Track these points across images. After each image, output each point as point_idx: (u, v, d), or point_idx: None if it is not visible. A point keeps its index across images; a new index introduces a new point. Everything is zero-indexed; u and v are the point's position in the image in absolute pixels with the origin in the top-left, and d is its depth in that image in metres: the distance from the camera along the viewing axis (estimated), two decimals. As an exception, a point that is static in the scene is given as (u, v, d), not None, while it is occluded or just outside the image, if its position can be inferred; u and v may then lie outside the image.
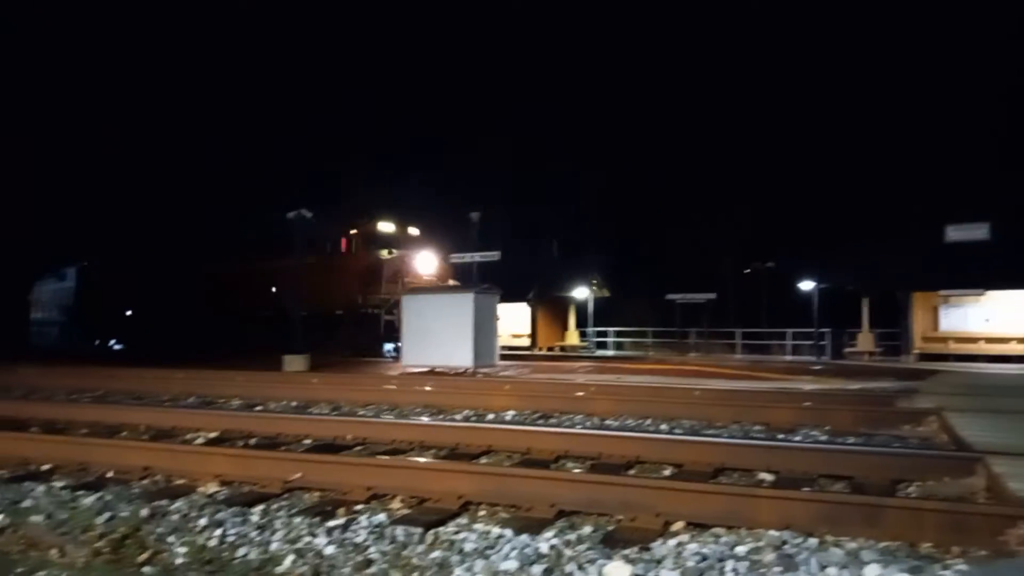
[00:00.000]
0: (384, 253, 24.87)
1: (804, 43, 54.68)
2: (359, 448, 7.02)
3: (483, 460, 6.40)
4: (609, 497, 4.68)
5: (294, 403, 10.65)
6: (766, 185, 40.67)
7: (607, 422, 8.50)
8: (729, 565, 3.69)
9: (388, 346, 24.08)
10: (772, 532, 4.10)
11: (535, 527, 4.36)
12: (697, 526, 4.38)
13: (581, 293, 34.07)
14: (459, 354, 16.55)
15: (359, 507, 4.88)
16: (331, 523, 4.55)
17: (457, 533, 4.31)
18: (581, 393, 10.19)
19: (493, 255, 21.98)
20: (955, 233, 24.90)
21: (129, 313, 33.47)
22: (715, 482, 5.29)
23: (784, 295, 32.37)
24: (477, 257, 22.32)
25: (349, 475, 5.36)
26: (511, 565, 3.83)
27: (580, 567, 3.78)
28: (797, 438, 7.54)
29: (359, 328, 24.78)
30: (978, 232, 24.56)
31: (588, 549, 4.00)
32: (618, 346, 35.25)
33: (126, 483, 5.70)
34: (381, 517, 4.61)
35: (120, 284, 32.91)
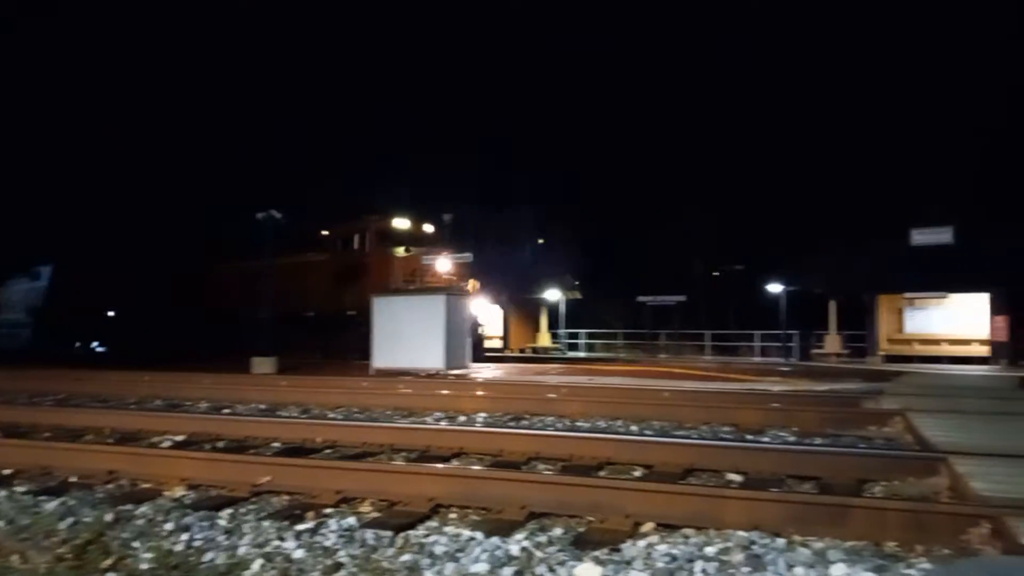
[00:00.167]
0: (399, 251, 23.89)
1: (772, 48, 55.40)
2: (328, 451, 6.97)
3: (454, 463, 6.38)
4: (579, 499, 4.69)
5: (262, 406, 10.54)
6: (735, 189, 41.09)
7: (578, 423, 8.53)
8: (698, 566, 3.71)
9: None
10: (741, 533, 4.13)
11: (506, 529, 4.35)
12: (667, 527, 4.40)
13: (553, 295, 34.17)
14: (431, 356, 16.53)
15: (328, 511, 4.84)
16: (300, 527, 4.51)
17: (427, 536, 4.29)
18: (553, 395, 10.22)
19: (465, 256, 21.99)
20: (920, 237, 25.35)
21: (111, 314, 32.56)
22: (684, 483, 5.32)
23: (752, 297, 32.72)
24: (448, 259, 22.33)
25: (318, 478, 5.32)
26: (481, 568, 3.82)
27: (551, 569, 3.78)
28: (765, 439, 7.62)
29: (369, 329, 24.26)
30: (942, 236, 25.02)
31: (559, 551, 4.01)
32: (589, 347, 35.40)
33: (90, 487, 5.60)
34: (351, 520, 4.58)
35: (100, 284, 31.87)
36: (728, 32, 56.75)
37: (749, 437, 7.70)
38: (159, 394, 11.94)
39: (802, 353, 28.60)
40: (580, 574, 3.67)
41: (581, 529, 4.42)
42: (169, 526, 4.58)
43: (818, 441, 7.32)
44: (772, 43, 53.85)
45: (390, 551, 4.14)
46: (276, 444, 7.33)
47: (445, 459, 6.44)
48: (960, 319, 25.98)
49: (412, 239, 24.47)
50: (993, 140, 35.62)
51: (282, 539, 4.34)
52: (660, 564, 3.78)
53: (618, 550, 3.99)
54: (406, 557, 4.02)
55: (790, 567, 3.61)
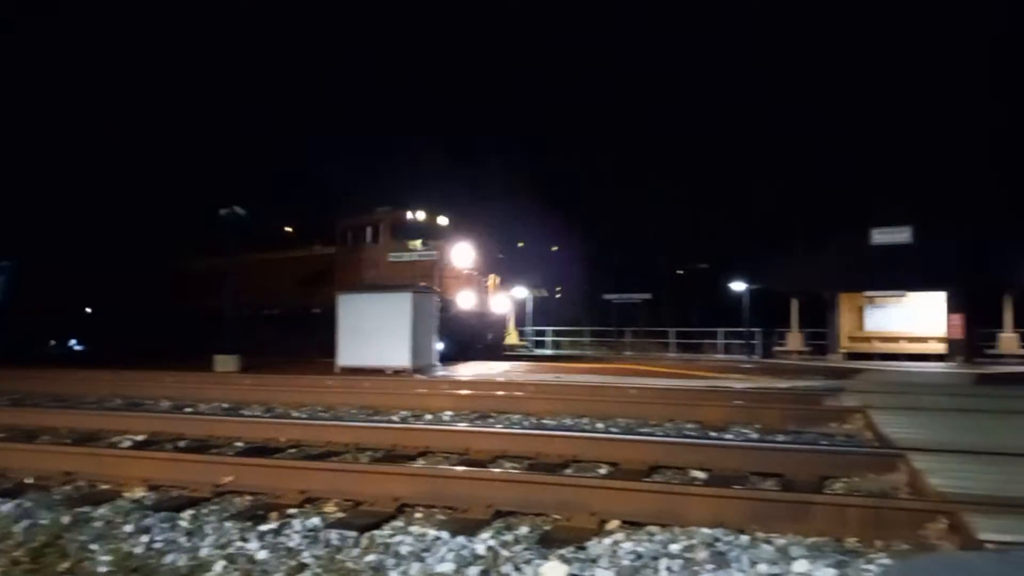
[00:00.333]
0: (416, 244, 22.61)
1: (736, 48, 55.99)
2: (293, 450, 6.90)
3: (420, 462, 6.36)
4: (545, 497, 4.70)
5: (225, 404, 10.40)
6: (699, 188, 41.44)
7: (545, 421, 8.54)
8: (663, 563, 3.74)
9: None
10: (705, 530, 4.17)
11: (472, 528, 4.35)
12: (632, 524, 4.43)
13: (520, 293, 34.19)
14: (397, 354, 16.42)
15: (292, 511, 4.80)
16: (263, 527, 4.46)
17: (393, 536, 4.27)
18: (519, 392, 10.22)
19: (430, 254, 21.90)
20: (879, 236, 25.85)
21: (89, 311, 31.19)
22: (649, 481, 5.36)
23: (716, 296, 33.08)
24: (416, 256, 22.23)
25: (282, 478, 5.27)
26: (447, 567, 3.81)
27: (516, 568, 3.78)
28: (729, 436, 7.71)
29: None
30: (901, 236, 25.54)
31: (525, 549, 4.01)
32: (556, 345, 35.50)
33: (46, 489, 5.49)
34: (315, 521, 4.54)
35: (70, 279, 30.08)
36: (692, 32, 57.23)
37: (713, 434, 7.77)
38: (119, 393, 11.72)
39: (764, 350, 28.96)
40: (546, 573, 3.68)
41: (547, 527, 4.43)
42: (128, 528, 4.51)
43: (780, 438, 7.41)
44: (735, 43, 54.41)
45: (355, 551, 4.11)
46: (239, 443, 7.24)
47: (411, 458, 6.41)
48: (918, 317, 26.50)
49: (427, 232, 23.07)
50: (950, 141, 36.42)
51: (245, 540, 4.29)
52: (625, 562, 3.80)
53: (584, 548, 4.00)
54: (371, 557, 4.00)
55: (753, 564, 3.66)
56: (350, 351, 16.90)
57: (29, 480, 5.77)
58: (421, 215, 23.44)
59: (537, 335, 35.81)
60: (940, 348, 25.49)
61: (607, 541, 4.08)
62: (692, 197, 40.78)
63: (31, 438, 7.69)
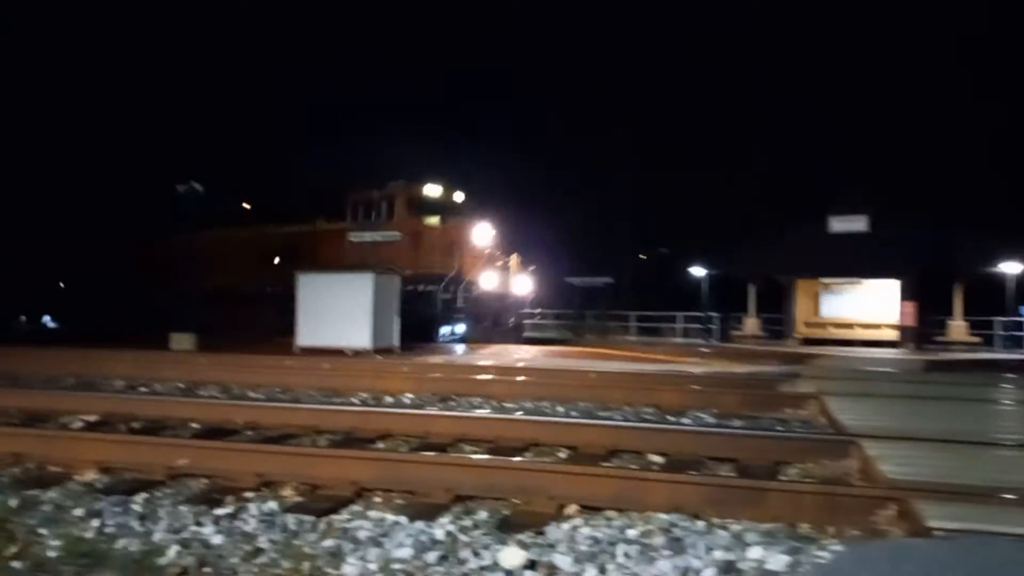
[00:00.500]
0: (432, 220, 21.45)
1: (702, 36, 56.23)
2: (249, 432, 6.81)
3: (379, 445, 6.33)
4: (505, 481, 4.71)
5: (181, 384, 10.24)
6: (661, 175, 41.73)
7: (506, 404, 8.55)
8: (621, 549, 3.77)
9: (444, 329, 20.88)
10: (662, 515, 4.21)
11: (431, 513, 4.34)
12: (590, 509, 4.46)
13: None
14: (357, 335, 16.30)
15: (249, 495, 4.74)
16: (219, 511, 4.40)
17: (351, 521, 4.24)
18: (480, 376, 10.22)
19: (393, 235, 21.72)
20: (836, 224, 26.28)
21: (63, 287, 29.67)
22: (607, 466, 5.40)
23: (677, 281, 33.39)
24: (379, 237, 22.02)
25: (238, 461, 5.20)
26: (406, 553, 3.79)
27: (475, 553, 3.78)
28: (686, 420, 7.80)
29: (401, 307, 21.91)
30: (857, 224, 26.01)
31: (484, 534, 4.02)
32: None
33: (-7, 471, 5.35)
34: (272, 505, 4.49)
35: (43, 253, 28.42)
36: (646, 23, 57.30)
37: (671, 418, 7.85)
38: (73, 371, 11.44)
39: (722, 335, 29.34)
40: (504, 558, 3.68)
41: (506, 512, 4.44)
42: (79, 512, 4.41)
43: (736, 423, 7.52)
44: (700, 31, 54.65)
45: (312, 536, 4.07)
46: (195, 425, 7.12)
47: (370, 441, 6.38)
48: (872, 304, 27.05)
49: (444, 208, 21.96)
50: (908, 135, 37.09)
51: (200, 524, 4.23)
52: (583, 547, 3.83)
53: (542, 533, 4.02)
54: (329, 543, 3.97)
55: (709, 550, 3.70)
56: (310, 331, 16.74)
57: (-25, 462, 5.62)
58: (437, 190, 22.34)
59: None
60: (893, 335, 26.05)
61: (565, 526, 4.10)
62: (654, 183, 41.07)
63: (-23, 418, 7.48)
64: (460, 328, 20.64)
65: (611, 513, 4.37)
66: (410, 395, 9.16)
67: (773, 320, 28.74)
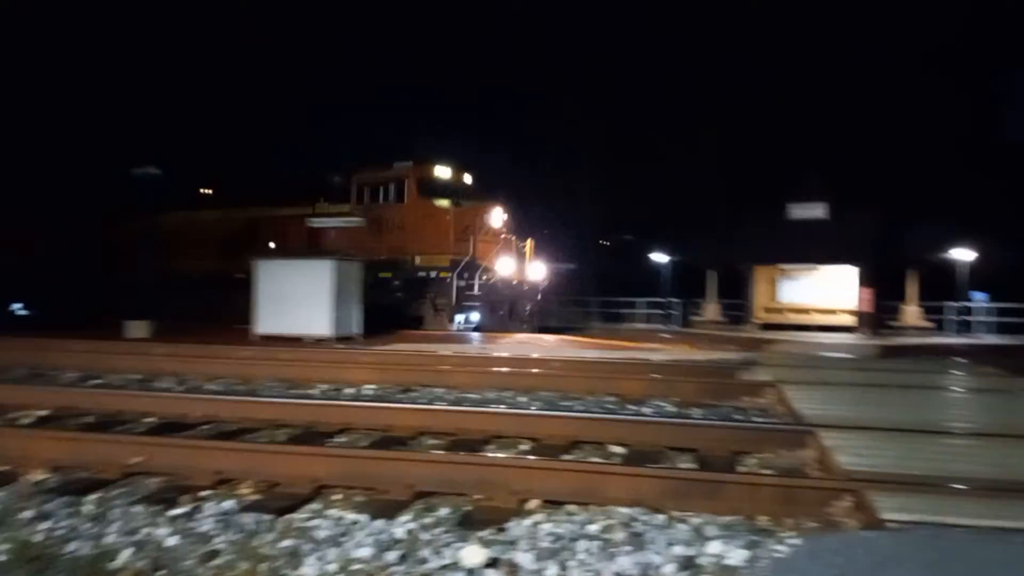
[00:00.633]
0: (445, 202, 20.36)
1: (654, 23, 56.39)
2: (207, 427, 6.69)
3: (340, 438, 6.26)
4: (466, 476, 4.69)
5: (136, 376, 10.02)
6: (623, 162, 41.93)
7: (468, 395, 8.52)
8: (582, 545, 3.78)
9: (459, 317, 19.96)
10: (623, 509, 4.23)
11: (391, 510, 4.30)
12: (552, 503, 4.46)
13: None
14: (317, 323, 16.14)
15: (205, 493, 4.66)
16: (174, 511, 4.32)
17: (310, 519, 4.20)
18: (443, 366, 10.18)
19: (356, 220, 21.49)
20: (796, 211, 26.66)
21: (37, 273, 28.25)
22: (568, 460, 5.41)
23: (639, 267, 33.62)
24: (340, 222, 21.78)
25: (195, 458, 5.10)
26: (365, 552, 3.76)
27: (436, 551, 3.76)
28: (647, 409, 7.85)
29: (410, 294, 20.66)
30: (815, 211, 26.40)
31: (445, 532, 3.99)
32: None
33: (-62, 471, 5.18)
34: (229, 504, 4.42)
35: (11, 237, 26.21)
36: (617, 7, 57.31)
37: (631, 407, 7.90)
38: (24, 362, 11.12)
39: (683, 320, 29.64)
40: (465, 557, 3.67)
41: (468, 508, 4.42)
42: (28, 513, 4.30)
43: (696, 413, 7.58)
44: (652, 18, 54.79)
45: (270, 536, 4.02)
46: (150, 419, 6.98)
47: (330, 435, 6.31)
48: (829, 290, 27.50)
49: (455, 190, 21.02)
50: (864, 122, 37.67)
51: (154, 525, 4.15)
52: (544, 544, 3.83)
53: (504, 530, 4.01)
54: (287, 543, 3.92)
55: (669, 545, 3.73)
56: (269, 319, 16.53)
57: (-81, 461, 5.44)
58: (448, 171, 21.34)
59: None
60: (849, 320, 26.53)
61: (527, 522, 4.10)
62: (618, 170, 41.23)
63: (-78, 413, 7.25)
64: (475, 317, 19.80)
65: (572, 507, 4.37)
66: (372, 386, 9.08)
67: (733, 305, 29.09)
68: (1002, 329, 25.27)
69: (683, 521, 4.11)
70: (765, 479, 4.58)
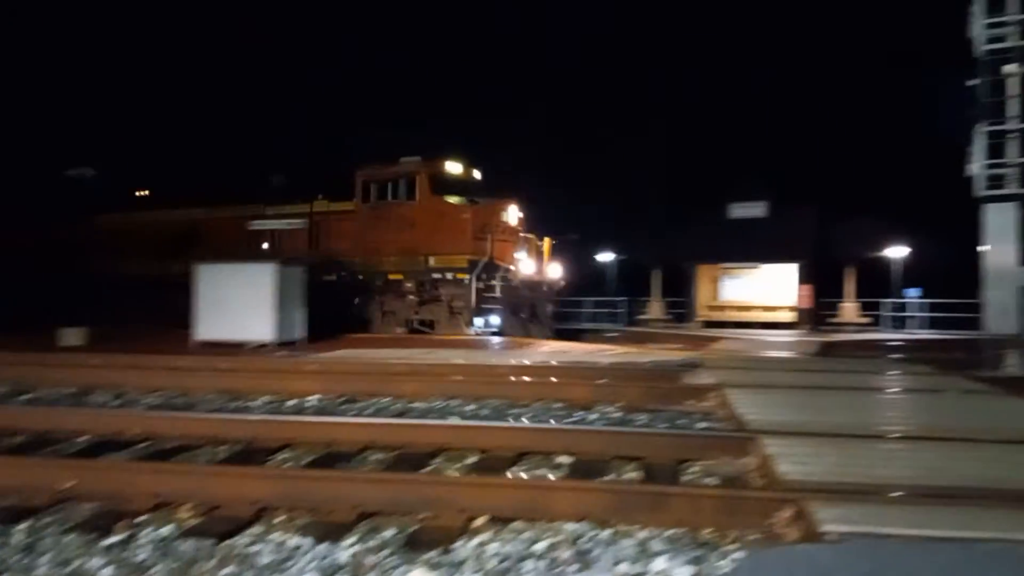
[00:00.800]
0: (459, 200, 19.70)
1: (591, 26, 56.88)
2: (144, 444, 6.51)
3: (283, 454, 6.15)
4: (412, 495, 4.64)
5: (70, 389, 9.68)
6: (569, 163, 42.22)
7: (415, 404, 8.46)
8: (528, 565, 3.78)
9: (478, 321, 19.31)
10: (569, 525, 4.24)
11: (336, 533, 4.24)
12: (499, 520, 4.44)
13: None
14: (259, 328, 15.87)
15: (143, 519, 4.52)
16: (109, 540, 4.19)
17: (252, 544, 4.11)
18: (389, 373, 10.09)
19: (298, 222, 21.21)
20: (737, 211, 27.18)
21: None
22: (515, 476, 5.41)
23: (585, 265, 33.89)
24: (282, 224, 21.47)
25: (132, 481, 4.94)
26: (309, 579, 3.70)
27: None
28: (594, 415, 7.91)
29: (422, 296, 19.97)
30: (756, 210, 26.96)
31: (391, 555, 3.95)
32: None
33: None
34: (167, 529, 4.30)
35: None
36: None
37: (579, 414, 7.94)
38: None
39: (629, 318, 29.99)
40: (411, 581, 3.63)
41: (414, 528, 4.38)
42: (-48, 548, 4.12)
43: (641, 418, 7.67)
44: (593, 21, 55.26)
45: (210, 563, 3.92)
46: (84, 437, 6.74)
47: (272, 451, 6.19)
48: (770, 288, 28.13)
49: (467, 186, 20.44)
50: (802, 121, 38.54)
51: (88, 555, 4.01)
52: (491, 564, 3.81)
53: (450, 551, 3.98)
54: (228, 570, 3.83)
55: (616, 563, 3.75)
56: (209, 324, 16.21)
57: None
58: (459, 167, 20.53)
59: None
60: (790, 316, 27.16)
61: (473, 542, 4.07)
62: (564, 170, 41.48)
63: None
64: (495, 320, 19.17)
65: (519, 525, 4.36)
66: (316, 396, 8.94)
67: (677, 304, 29.54)
68: (934, 324, 26.17)
69: (629, 535, 4.13)
70: (707, 490, 4.65)
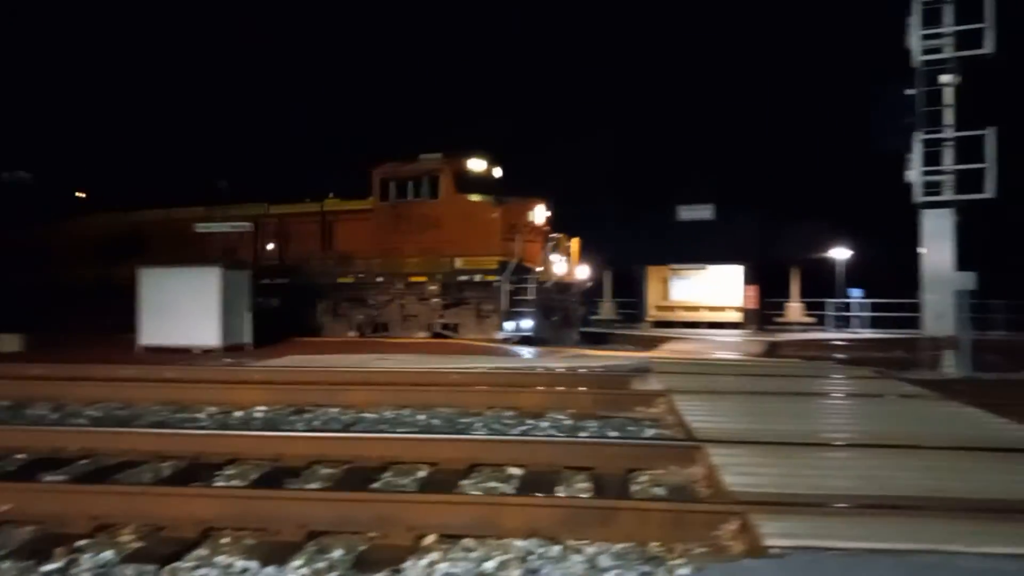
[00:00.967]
0: (486, 199, 18.86)
1: (536, 23, 57.16)
2: (84, 462, 6.33)
3: (228, 470, 6.04)
4: (361, 513, 4.60)
5: (6, 402, 9.37)
6: (518, 164, 42.29)
7: (365, 414, 8.38)
8: (478, 585, 3.78)
9: (508, 324, 18.45)
10: (519, 542, 4.25)
11: (283, 554, 4.19)
12: (449, 537, 4.43)
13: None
14: (205, 333, 15.62)
15: (82, 543, 4.40)
16: (47, 567, 4.08)
17: (196, 568, 4.04)
18: (338, 381, 9.99)
19: (243, 226, 20.87)
20: (685, 213, 27.56)
21: None
22: (463, 493, 5.40)
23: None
24: (226, 227, 21.09)
25: (71, 502, 4.80)
26: (255, 606, 3.65)
27: (330, 600, 3.69)
28: (545, 423, 7.94)
29: (450, 300, 19.29)
30: (703, 212, 27.37)
31: (338, 577, 3.92)
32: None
33: None
34: (108, 554, 4.20)
35: None
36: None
37: (529, 422, 7.97)
38: None
39: (581, 319, 30.20)
40: (360, 606, 3.61)
41: (363, 547, 4.34)
42: None
43: (592, 426, 7.74)
44: (535, 19, 55.56)
45: (153, 590, 3.84)
46: (21, 456, 6.54)
47: (218, 467, 6.08)
48: (717, 288, 28.62)
49: (491, 184, 19.61)
50: (747, 125, 39.26)
51: (25, 584, 3.90)
52: (440, 585, 3.81)
53: (399, 571, 3.97)
54: (172, 597, 3.76)
55: (564, 582, 3.77)
56: (154, 329, 15.91)
57: None
58: (482, 164, 19.69)
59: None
60: (737, 316, 27.65)
61: (423, 561, 4.06)
62: (515, 171, 41.52)
63: None
64: (526, 324, 18.46)
65: (469, 542, 4.36)
66: (262, 407, 8.79)
67: (628, 304, 29.86)
68: (876, 323, 26.90)
69: (578, 551, 4.16)
70: (653, 504, 4.71)
